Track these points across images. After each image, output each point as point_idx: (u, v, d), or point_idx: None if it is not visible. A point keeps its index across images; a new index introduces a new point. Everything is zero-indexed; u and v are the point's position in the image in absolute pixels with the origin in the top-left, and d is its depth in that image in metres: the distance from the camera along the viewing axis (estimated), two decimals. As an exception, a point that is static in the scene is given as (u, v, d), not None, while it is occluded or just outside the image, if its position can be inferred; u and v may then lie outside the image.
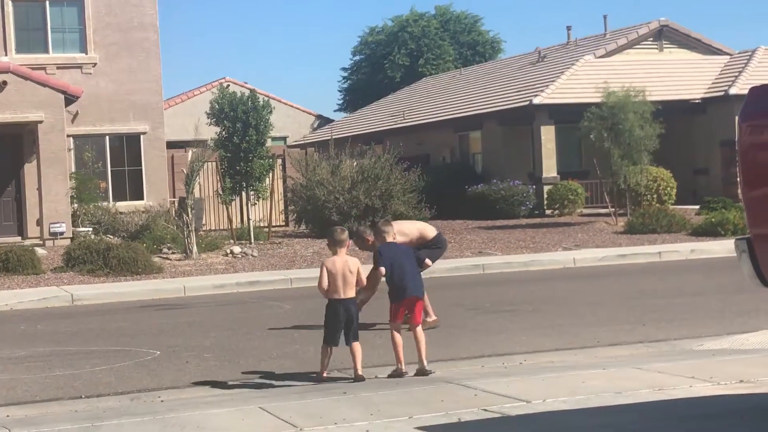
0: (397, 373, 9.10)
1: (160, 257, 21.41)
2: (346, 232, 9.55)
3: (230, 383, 9.26)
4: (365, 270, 9.54)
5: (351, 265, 9.18)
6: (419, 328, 9.30)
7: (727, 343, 9.81)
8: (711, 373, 7.73)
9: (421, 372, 9.06)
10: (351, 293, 9.16)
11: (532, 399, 7.11)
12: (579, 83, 32.14)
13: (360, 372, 9.00)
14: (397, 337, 9.22)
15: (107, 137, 27.52)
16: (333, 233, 9.50)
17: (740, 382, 7.35)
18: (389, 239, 9.90)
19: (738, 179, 5.82)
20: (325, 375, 9.10)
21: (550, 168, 31.33)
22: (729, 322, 11.16)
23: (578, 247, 22.33)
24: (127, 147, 27.77)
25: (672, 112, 29.54)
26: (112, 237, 23.04)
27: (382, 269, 9.47)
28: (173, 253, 21.92)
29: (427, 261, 11.67)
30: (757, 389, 7.07)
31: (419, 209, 25.84)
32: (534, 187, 31.03)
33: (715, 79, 33.27)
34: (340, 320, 9.05)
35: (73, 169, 26.18)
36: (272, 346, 11.19)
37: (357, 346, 9.10)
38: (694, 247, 20.96)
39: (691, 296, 13.93)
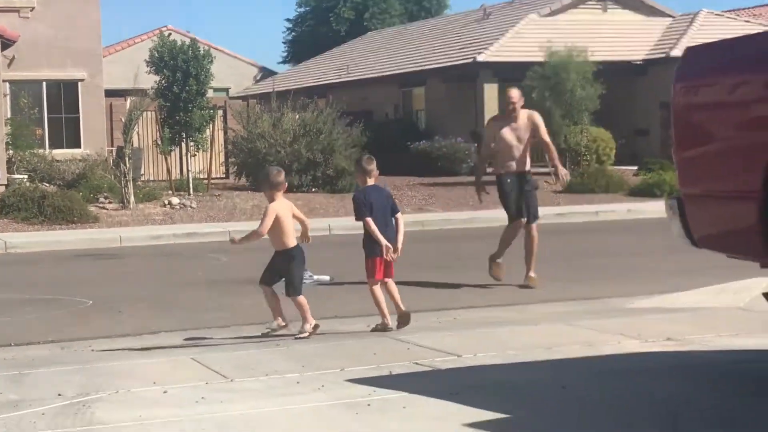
0: (382, 327, 8.72)
1: (97, 206, 21.18)
2: (283, 173, 8.88)
3: (163, 334, 9.21)
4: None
5: (294, 209, 8.74)
6: (392, 281, 8.90)
7: (658, 302, 9.95)
8: (639, 330, 7.84)
9: (404, 316, 8.70)
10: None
11: (463, 353, 7.15)
12: (523, 42, 32.16)
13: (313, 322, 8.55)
14: (378, 291, 8.79)
15: (44, 83, 27.02)
16: (269, 174, 8.71)
17: (667, 339, 7.46)
18: (371, 181, 9.05)
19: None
20: (310, 325, 8.52)
21: (492, 126, 31.38)
22: (661, 281, 11.31)
23: (517, 205, 22.44)
24: (65, 94, 27.30)
25: (614, 73, 29.71)
26: (47, 185, 22.70)
27: (371, 221, 8.69)
28: (110, 202, 21.70)
29: None
30: (683, 347, 7.18)
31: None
32: (476, 144, 31.10)
33: (658, 41, 33.51)
34: (302, 266, 8.62)
35: (9, 115, 25.68)
36: (207, 298, 11.14)
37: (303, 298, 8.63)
38: (631, 207, 21.20)
39: (626, 256, 14.10)
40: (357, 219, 8.90)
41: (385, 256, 8.69)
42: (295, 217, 8.75)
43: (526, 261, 11.67)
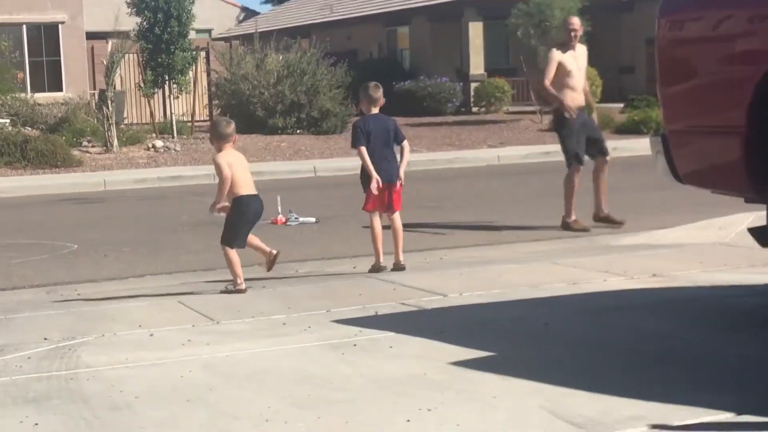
0: (374, 268, 8.56)
1: (80, 150, 21.07)
2: (233, 124, 8.29)
3: (148, 277, 9.20)
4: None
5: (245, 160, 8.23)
6: (398, 223, 8.71)
7: (643, 239, 9.97)
8: (625, 267, 7.86)
9: (398, 265, 8.55)
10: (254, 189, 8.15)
11: (448, 293, 7.17)
12: (508, -21, 31.89)
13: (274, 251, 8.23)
14: (375, 226, 8.58)
15: (24, 26, 26.75)
16: (218, 125, 8.23)
17: (653, 276, 7.48)
18: (376, 110, 8.77)
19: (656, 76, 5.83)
20: (244, 286, 7.93)
21: (477, 65, 31.28)
22: (646, 218, 11.32)
23: (503, 144, 22.46)
24: (46, 37, 27.04)
25: (599, 10, 29.53)
26: (30, 129, 22.55)
27: (363, 151, 8.47)
28: (93, 146, 21.58)
29: None
30: (668, 283, 7.21)
31: (346, 105, 25.68)
32: (461, 84, 30.98)
33: (643, -23, 33.28)
34: (252, 219, 8.09)
35: (-11, 59, 25.47)
36: (192, 241, 11.11)
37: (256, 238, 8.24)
38: (617, 145, 21.12)
39: (611, 193, 14.00)
40: (352, 146, 8.79)
41: (373, 191, 8.58)
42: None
43: (597, 197, 11.12)
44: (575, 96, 11.01)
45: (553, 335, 5.78)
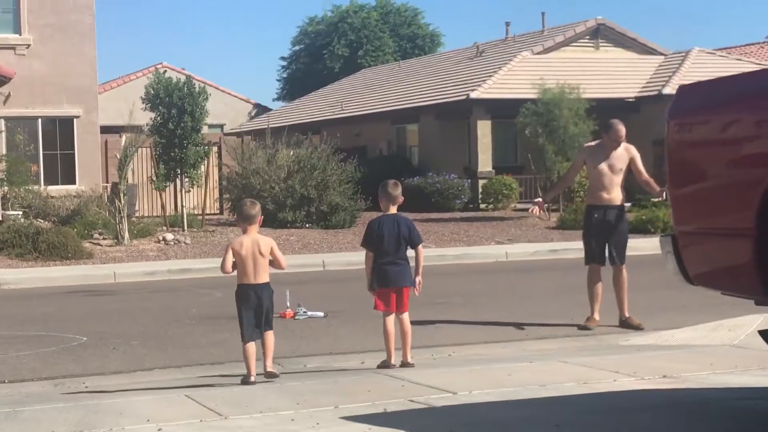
0: (383, 364, 8.57)
1: (91, 243, 21.16)
2: (258, 206, 8.31)
3: (156, 370, 9.17)
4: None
5: (263, 246, 8.07)
6: (406, 322, 8.67)
7: (653, 339, 9.95)
8: (635, 368, 7.82)
9: (405, 365, 8.51)
10: (264, 278, 8.08)
11: (458, 390, 7.13)
12: (516, 79, 32.36)
13: (270, 368, 8.09)
14: (387, 325, 8.56)
15: (39, 120, 27.11)
16: (242, 207, 8.28)
17: (663, 377, 7.45)
18: (394, 209, 8.75)
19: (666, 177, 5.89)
20: (253, 378, 7.99)
21: (485, 162, 31.53)
22: (655, 318, 11.30)
23: (511, 241, 22.50)
24: (60, 130, 27.38)
25: (606, 110, 29.78)
26: (42, 221, 22.71)
27: (368, 257, 8.61)
28: (104, 239, 21.68)
29: None
30: (679, 384, 7.17)
31: (355, 200, 25.85)
32: (469, 181, 31.19)
33: (650, 78, 33.70)
34: (251, 308, 8.03)
35: (4, 152, 25.74)
36: (201, 334, 11.11)
37: (269, 336, 8.11)
38: (625, 243, 21.20)
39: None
40: (361, 245, 8.88)
41: (371, 293, 8.65)
42: (272, 255, 8.20)
43: (618, 301, 11.10)
44: (602, 195, 11.36)
45: (563, 435, 5.74)
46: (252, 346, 8.07)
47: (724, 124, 5.43)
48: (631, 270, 17.03)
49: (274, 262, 8.20)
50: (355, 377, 8.15)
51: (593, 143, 11.66)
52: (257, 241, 8.11)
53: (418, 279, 8.68)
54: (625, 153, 11.35)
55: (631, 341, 9.99)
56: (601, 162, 11.23)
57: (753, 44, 49.08)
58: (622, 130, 11.42)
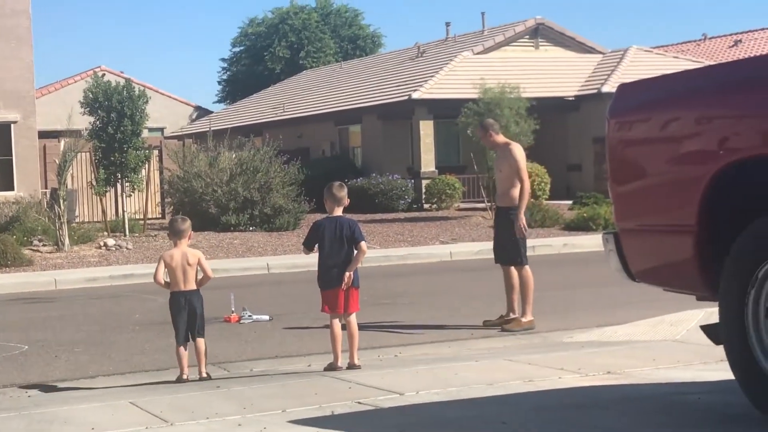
0: (330, 367, 8.56)
1: (31, 249, 20.87)
2: (188, 222, 8.91)
3: (100, 378, 9.07)
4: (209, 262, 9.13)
5: (190, 257, 8.67)
6: (353, 324, 8.67)
7: (596, 335, 10.04)
8: (580, 364, 7.89)
9: (352, 367, 8.53)
10: (192, 285, 8.68)
11: (405, 391, 7.14)
12: (457, 79, 32.50)
13: (204, 372, 8.56)
14: (333, 327, 8.57)
15: (-24, 126, 26.71)
16: (173, 223, 8.97)
17: (607, 373, 7.52)
18: (339, 210, 8.77)
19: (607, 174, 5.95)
20: (185, 376, 8.52)
21: (428, 163, 31.62)
22: (598, 314, 11.42)
23: (455, 240, 22.59)
24: (-3, 136, 26.99)
25: (547, 109, 30.09)
26: (-20, 229, 22.34)
27: (306, 253, 8.84)
28: (45, 245, 21.40)
29: None
30: (622, 380, 7.24)
31: (299, 202, 25.79)
32: (413, 181, 31.28)
33: (589, 77, 34.06)
34: (184, 314, 8.62)
35: (-60, 159, 25.32)
36: (145, 340, 11.01)
37: (201, 343, 8.64)
38: (567, 241, 21.41)
39: (563, 289, 14.22)
40: (303, 244, 8.89)
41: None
42: (200, 265, 8.75)
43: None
44: (498, 197, 11.30)
45: (510, 434, 5.77)
46: (184, 349, 8.64)
47: (664, 121, 5.50)
48: (573, 267, 17.26)
49: (201, 272, 8.81)
50: (302, 380, 8.12)
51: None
52: (186, 253, 8.71)
53: (348, 274, 8.55)
54: (505, 154, 11.11)
55: (575, 338, 10.08)
56: (495, 163, 11.38)
57: (689, 42, 49.79)
58: (480, 130, 11.37)
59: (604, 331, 10.16)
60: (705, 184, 4.98)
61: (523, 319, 10.88)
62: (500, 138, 11.25)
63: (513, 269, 11.06)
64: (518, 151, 11.05)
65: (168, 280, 8.71)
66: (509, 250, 11.07)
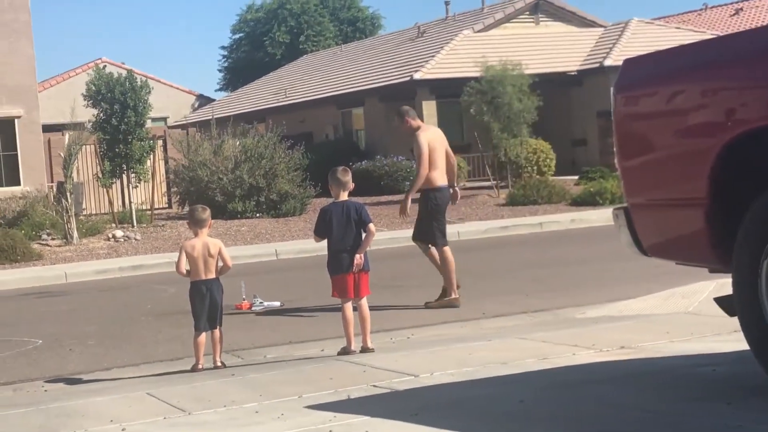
0: (343, 351, 8.59)
1: (40, 244, 20.91)
2: (208, 211, 8.90)
3: (115, 369, 9.11)
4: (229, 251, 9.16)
5: (212, 247, 8.68)
6: (365, 308, 8.68)
7: (608, 311, 10.04)
8: (593, 340, 7.90)
9: (365, 350, 8.52)
10: (213, 274, 8.70)
11: (419, 373, 7.16)
12: (458, 58, 32.43)
13: (219, 361, 8.59)
14: (345, 312, 8.58)
15: (-20, 122, 26.73)
16: (193, 212, 8.95)
17: (621, 348, 7.53)
18: (345, 195, 8.82)
19: (614, 149, 5.94)
20: (200, 366, 8.57)
21: (432, 143, 31.55)
22: (609, 289, 11.42)
23: (462, 220, 22.58)
24: (2, 132, 27.05)
25: (550, 85, 30.03)
26: (-12, 225, 22.38)
27: (316, 240, 8.86)
28: (53, 239, 21.44)
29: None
30: (636, 355, 7.25)
31: (304, 187, 25.80)
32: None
33: (591, 51, 33.95)
34: (204, 302, 8.63)
35: (-55, 156, 25.35)
36: (158, 330, 11.04)
37: (218, 332, 8.68)
38: (574, 216, 21.41)
39: (573, 265, 14.23)
40: (313, 232, 8.94)
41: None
42: (220, 255, 8.76)
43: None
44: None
45: (528, 412, 5.79)
46: (203, 337, 8.65)
47: (670, 95, 5.48)
48: (582, 242, 17.25)
49: (223, 264, 8.80)
50: (316, 365, 8.15)
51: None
52: (207, 243, 8.72)
53: (358, 256, 8.59)
54: (414, 139, 11.38)
55: (587, 314, 10.08)
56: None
57: (691, 12, 49.61)
58: (397, 118, 11.62)
59: (616, 306, 10.16)
60: (714, 156, 4.97)
61: (446, 298, 11.30)
62: (415, 123, 11.51)
63: (432, 249, 11.43)
64: (422, 136, 11.32)
65: (188, 269, 8.71)
66: (425, 231, 11.53)
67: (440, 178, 11.41)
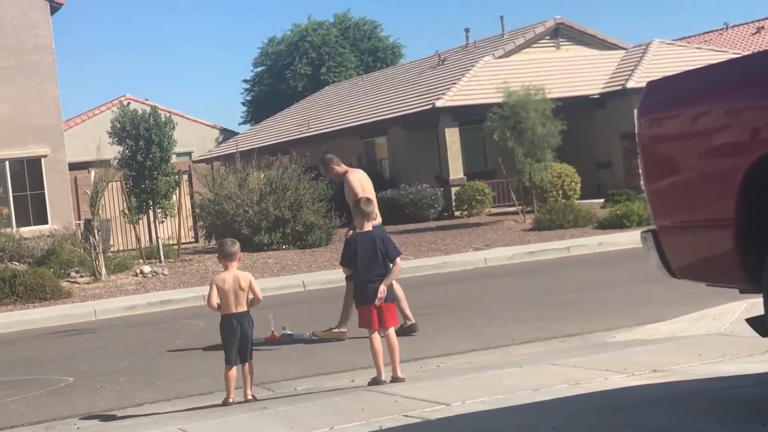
0: (374, 381, 8.59)
1: (69, 281, 21.01)
2: (237, 245, 8.93)
3: (147, 405, 9.12)
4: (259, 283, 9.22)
5: (242, 281, 8.70)
6: (392, 337, 8.69)
7: (638, 334, 9.98)
8: (625, 364, 7.85)
9: (396, 380, 8.50)
10: (244, 307, 8.72)
11: (451, 402, 7.13)
12: (480, 84, 32.47)
13: (250, 394, 8.60)
14: (373, 342, 8.56)
15: (7, 162, 26.96)
16: (222, 246, 8.95)
17: (653, 371, 7.48)
18: (369, 226, 8.89)
19: (640, 171, 5.92)
20: (231, 399, 8.55)
21: (456, 170, 31.59)
22: (639, 312, 11.35)
23: (488, 246, 22.53)
24: (29, 171, 27.24)
25: (572, 108, 30.00)
26: (17, 264, 22.50)
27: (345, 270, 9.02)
28: (82, 276, 21.54)
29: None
30: (669, 378, 7.20)
31: (329, 218, 25.83)
32: (442, 189, 31.24)
33: (613, 73, 33.92)
34: (236, 335, 8.63)
35: (-27, 197, 25.56)
36: (188, 365, 11.05)
37: (249, 365, 8.69)
38: (602, 240, 21.31)
39: (601, 289, 14.15)
40: (340, 263, 9.06)
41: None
42: (251, 289, 8.79)
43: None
44: None
45: (561, 438, 5.75)
46: (234, 371, 8.64)
47: (695, 116, 5.47)
48: (609, 265, 17.17)
49: (253, 297, 8.82)
50: (347, 396, 8.13)
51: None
52: (237, 276, 8.75)
53: (382, 287, 8.58)
54: (346, 182, 11.81)
55: (617, 338, 10.02)
56: None
57: (712, 32, 49.51)
58: (322, 167, 12.14)
59: (647, 329, 10.10)
60: (741, 176, 4.95)
61: (335, 330, 11.63)
62: (341, 168, 11.93)
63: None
64: (352, 178, 11.77)
65: (219, 302, 8.74)
66: None
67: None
